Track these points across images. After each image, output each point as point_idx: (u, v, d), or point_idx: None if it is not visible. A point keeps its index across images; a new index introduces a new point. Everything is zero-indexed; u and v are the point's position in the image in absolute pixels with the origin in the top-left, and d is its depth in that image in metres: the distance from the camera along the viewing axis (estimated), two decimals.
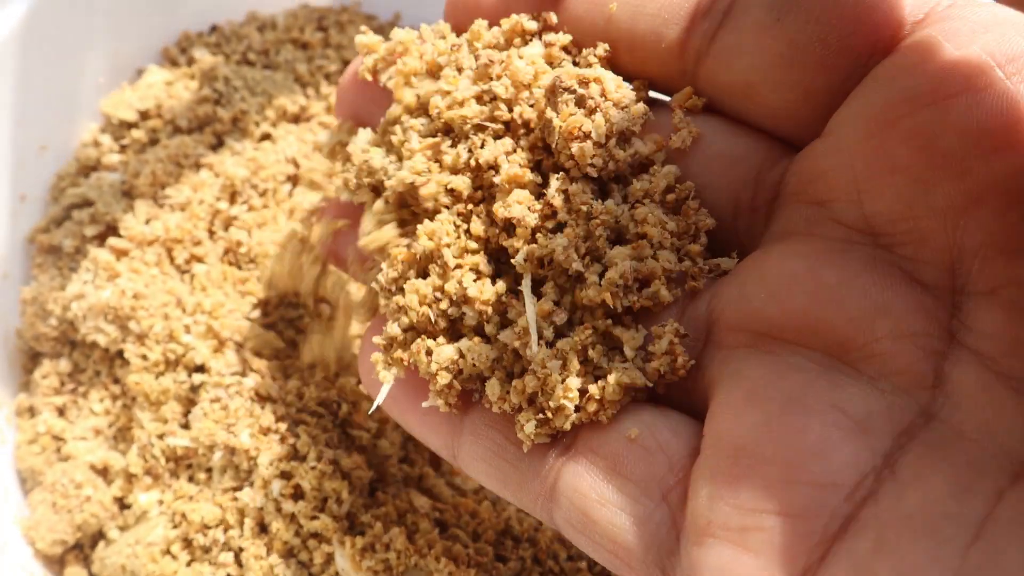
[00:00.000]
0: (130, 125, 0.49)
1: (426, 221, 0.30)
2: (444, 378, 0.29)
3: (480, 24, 0.32)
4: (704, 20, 0.27)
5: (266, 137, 0.49)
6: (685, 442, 0.26)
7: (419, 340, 0.30)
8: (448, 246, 0.29)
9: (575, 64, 0.31)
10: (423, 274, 0.30)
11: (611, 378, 0.27)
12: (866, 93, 0.25)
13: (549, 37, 0.31)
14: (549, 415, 0.28)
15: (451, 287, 0.29)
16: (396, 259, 0.31)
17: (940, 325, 0.24)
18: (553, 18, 0.31)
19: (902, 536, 0.21)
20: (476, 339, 0.29)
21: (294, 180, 0.47)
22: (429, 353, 0.29)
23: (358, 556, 0.38)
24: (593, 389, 0.27)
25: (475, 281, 0.29)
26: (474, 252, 0.30)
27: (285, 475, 0.39)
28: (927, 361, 0.23)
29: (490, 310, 0.29)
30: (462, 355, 0.29)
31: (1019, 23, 0.23)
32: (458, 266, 0.29)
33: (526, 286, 0.29)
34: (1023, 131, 0.22)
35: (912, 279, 0.24)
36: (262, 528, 0.39)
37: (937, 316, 0.24)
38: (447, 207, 0.30)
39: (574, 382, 0.27)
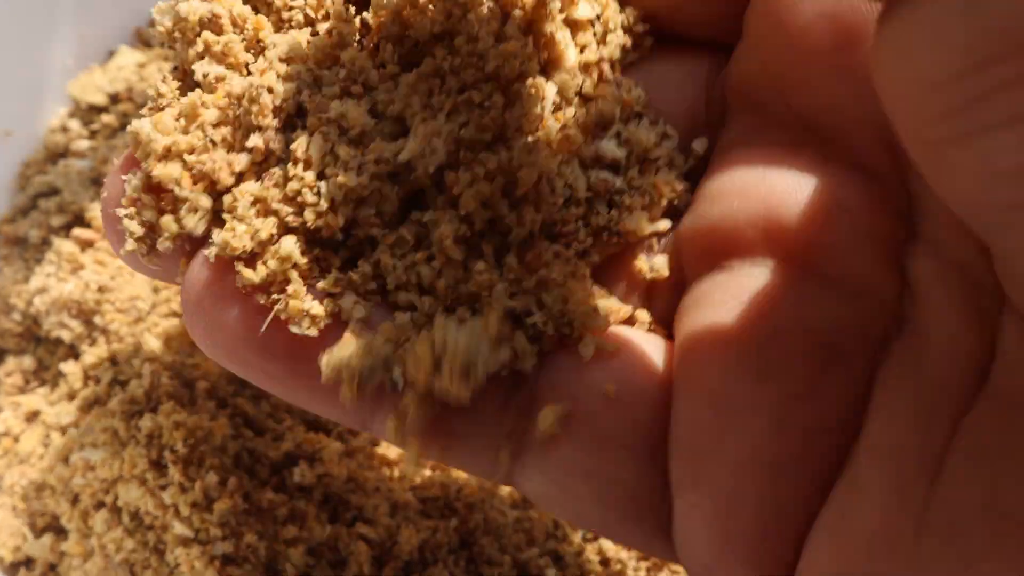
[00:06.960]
0: (100, 109, 0.47)
1: None
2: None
3: None
4: None
5: None
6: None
7: None
8: None
9: None
10: None
11: None
12: None
13: None
14: None
15: None
16: None
17: (896, 213, 0.22)
18: None
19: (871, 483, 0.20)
20: None
21: None
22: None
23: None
24: None
25: None
26: None
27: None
28: (889, 255, 0.22)
29: None
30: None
31: None
32: None
33: None
34: None
35: (862, 168, 0.22)
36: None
37: (892, 203, 0.22)
38: None
39: None
